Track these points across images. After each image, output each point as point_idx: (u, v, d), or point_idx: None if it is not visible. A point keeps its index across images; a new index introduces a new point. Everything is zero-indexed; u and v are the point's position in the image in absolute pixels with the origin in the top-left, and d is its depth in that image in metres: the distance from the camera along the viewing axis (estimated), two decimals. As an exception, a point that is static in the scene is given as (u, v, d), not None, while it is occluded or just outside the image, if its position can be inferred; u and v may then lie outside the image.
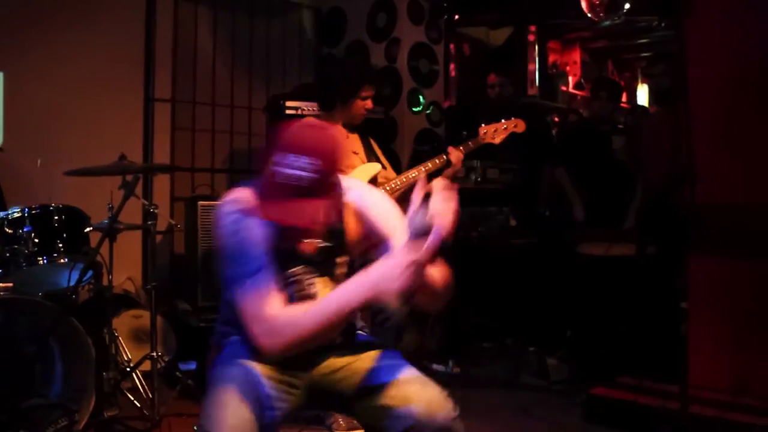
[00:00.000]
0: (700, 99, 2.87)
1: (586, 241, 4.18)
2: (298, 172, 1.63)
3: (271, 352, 1.62)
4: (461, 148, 3.61)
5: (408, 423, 1.60)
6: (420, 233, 1.48)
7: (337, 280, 1.81)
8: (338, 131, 1.69)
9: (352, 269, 1.85)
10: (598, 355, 3.92)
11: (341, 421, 3.38)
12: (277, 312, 1.63)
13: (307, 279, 1.79)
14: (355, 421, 3.57)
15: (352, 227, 1.84)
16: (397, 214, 1.81)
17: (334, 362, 1.79)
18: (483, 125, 3.66)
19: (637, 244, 3.90)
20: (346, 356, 1.80)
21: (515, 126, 3.69)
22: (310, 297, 1.77)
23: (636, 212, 4.26)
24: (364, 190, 1.91)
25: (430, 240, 1.47)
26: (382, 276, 1.55)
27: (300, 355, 1.69)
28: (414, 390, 1.64)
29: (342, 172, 1.83)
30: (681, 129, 2.73)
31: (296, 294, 1.77)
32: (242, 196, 1.75)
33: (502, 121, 3.68)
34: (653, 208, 4.02)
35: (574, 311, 4.17)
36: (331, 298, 1.65)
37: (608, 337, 3.88)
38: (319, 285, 1.80)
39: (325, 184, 1.67)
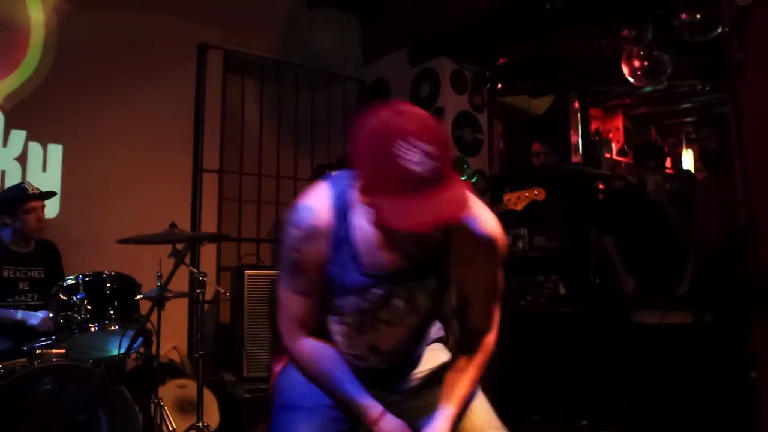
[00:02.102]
0: (755, 158, 2.81)
1: (640, 309, 4.06)
2: (417, 160, 1.35)
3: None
4: None
5: None
6: None
7: (415, 311, 1.71)
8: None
9: (438, 298, 1.74)
10: (657, 428, 3.75)
11: None
12: (298, 336, 1.70)
13: (378, 304, 1.68)
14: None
15: (458, 251, 1.65)
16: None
17: (411, 391, 1.82)
18: (507, 192, 3.74)
19: (693, 312, 3.77)
20: (419, 389, 1.82)
21: (536, 194, 3.76)
22: (377, 327, 1.72)
23: (690, 279, 4.14)
24: (489, 226, 1.65)
25: None
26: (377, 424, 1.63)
27: (376, 376, 1.76)
28: None
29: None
30: (738, 190, 2.67)
31: (363, 322, 1.71)
32: (318, 204, 1.61)
33: (525, 189, 3.76)
34: (709, 273, 3.89)
35: (629, 382, 4.01)
36: (331, 373, 1.69)
37: (668, 410, 3.71)
38: (387, 314, 1.70)
39: (443, 177, 1.39)
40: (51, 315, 3.15)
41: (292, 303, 1.67)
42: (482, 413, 1.76)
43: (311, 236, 1.59)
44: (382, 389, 1.77)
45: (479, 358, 1.74)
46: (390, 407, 1.73)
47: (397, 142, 1.35)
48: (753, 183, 2.70)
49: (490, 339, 1.76)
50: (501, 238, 1.67)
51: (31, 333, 3.21)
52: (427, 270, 1.66)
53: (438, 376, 1.79)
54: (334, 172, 1.69)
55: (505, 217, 3.58)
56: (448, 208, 1.37)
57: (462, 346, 1.77)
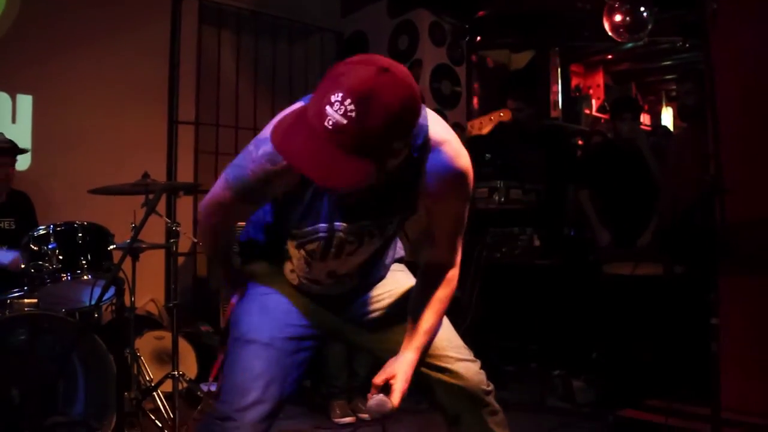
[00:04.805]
0: (727, 113, 2.83)
1: (612, 260, 4.11)
2: (328, 112, 1.25)
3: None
4: None
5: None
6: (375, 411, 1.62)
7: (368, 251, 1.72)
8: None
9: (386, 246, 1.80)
10: (626, 376, 3.83)
11: (338, 410, 3.62)
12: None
13: (341, 238, 1.65)
14: (349, 410, 3.65)
15: (426, 185, 1.57)
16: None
17: (364, 314, 1.81)
18: (469, 121, 3.73)
19: (664, 263, 3.82)
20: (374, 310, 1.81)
21: (502, 115, 3.72)
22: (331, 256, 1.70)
23: (653, 231, 4.18)
24: (460, 161, 1.57)
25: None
26: None
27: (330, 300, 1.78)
28: (463, 367, 1.73)
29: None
30: (709, 138, 2.69)
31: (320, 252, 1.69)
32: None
33: (490, 113, 3.73)
34: (680, 225, 3.94)
35: (600, 332, 4.08)
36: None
37: (636, 358, 3.79)
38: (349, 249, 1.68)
39: (362, 143, 1.27)
40: (23, 264, 3.11)
41: (225, 200, 1.63)
42: (444, 333, 1.76)
43: (285, 173, 1.49)
44: (335, 314, 1.81)
45: (444, 292, 1.72)
46: (341, 334, 1.82)
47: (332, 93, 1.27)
48: (723, 132, 2.72)
49: (454, 273, 1.74)
50: (470, 173, 1.60)
51: (2, 280, 3.18)
52: (394, 204, 1.63)
53: (397, 309, 1.79)
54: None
55: (480, 167, 3.58)
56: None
57: (426, 280, 1.75)
